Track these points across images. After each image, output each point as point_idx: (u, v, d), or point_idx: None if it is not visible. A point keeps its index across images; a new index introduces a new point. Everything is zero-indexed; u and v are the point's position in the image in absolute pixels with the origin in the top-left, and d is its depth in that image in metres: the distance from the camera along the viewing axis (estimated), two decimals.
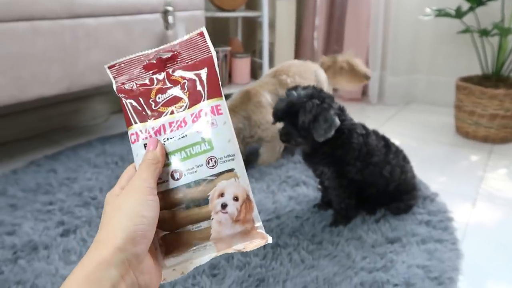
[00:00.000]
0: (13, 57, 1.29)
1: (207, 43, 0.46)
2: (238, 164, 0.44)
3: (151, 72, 0.45)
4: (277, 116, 1.07)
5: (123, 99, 0.45)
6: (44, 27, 1.37)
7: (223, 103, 0.44)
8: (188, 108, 0.43)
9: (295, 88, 1.07)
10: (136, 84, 0.45)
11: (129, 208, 0.35)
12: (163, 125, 0.43)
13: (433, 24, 2.25)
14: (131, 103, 0.44)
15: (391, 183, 1.15)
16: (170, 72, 0.45)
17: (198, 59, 0.45)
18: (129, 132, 0.44)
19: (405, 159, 1.21)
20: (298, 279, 0.94)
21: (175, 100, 0.44)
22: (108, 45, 1.57)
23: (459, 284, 0.94)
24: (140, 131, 0.43)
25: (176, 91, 0.44)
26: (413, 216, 1.19)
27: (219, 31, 2.65)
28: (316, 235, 1.11)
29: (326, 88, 1.67)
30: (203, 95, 0.43)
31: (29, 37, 1.33)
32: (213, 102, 0.43)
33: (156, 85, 0.44)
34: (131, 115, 0.44)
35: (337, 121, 1.01)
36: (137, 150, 0.43)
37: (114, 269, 0.32)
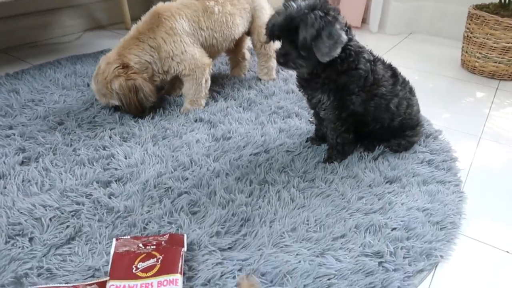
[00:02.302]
0: None
1: (182, 241, 0.76)
2: None
3: (142, 246, 0.74)
4: (273, 33, 0.90)
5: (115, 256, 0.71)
6: None
7: (180, 278, 0.68)
8: (157, 276, 0.68)
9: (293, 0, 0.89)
10: (128, 251, 0.72)
11: None
12: (137, 285, 0.66)
13: None
14: (119, 261, 0.69)
15: (397, 117, 1.02)
16: (153, 249, 0.73)
17: (173, 247, 0.74)
18: (108, 284, 0.66)
19: (411, 91, 1.08)
20: (287, 220, 0.84)
21: (150, 268, 0.69)
22: None
23: (461, 229, 0.87)
24: (118, 285, 0.66)
25: (153, 262, 0.70)
26: (414, 154, 1.08)
27: None
28: (308, 171, 1.00)
29: (267, 17, 1.36)
30: (168, 270, 0.69)
31: None
32: (173, 276, 0.68)
33: (141, 255, 0.72)
34: (115, 271, 0.69)
35: (344, 37, 0.86)
36: None
37: None
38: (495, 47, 1.62)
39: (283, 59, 0.89)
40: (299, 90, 1.04)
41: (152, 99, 1.19)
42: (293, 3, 0.86)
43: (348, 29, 0.91)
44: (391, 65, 1.04)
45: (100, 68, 1.15)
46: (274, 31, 0.89)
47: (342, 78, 0.94)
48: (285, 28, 0.86)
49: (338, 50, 0.86)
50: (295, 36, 0.85)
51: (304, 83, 1.00)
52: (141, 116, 1.20)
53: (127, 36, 1.18)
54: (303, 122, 1.23)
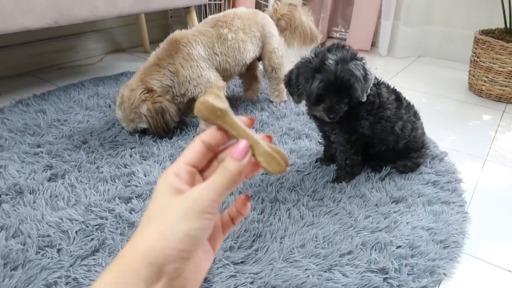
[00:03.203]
0: None
1: None
2: None
3: None
4: (317, 95, 0.93)
5: None
6: None
7: None
8: None
9: (322, 55, 0.92)
10: None
11: (176, 220, 0.29)
12: None
13: None
14: None
15: (401, 140, 1.07)
16: None
17: None
18: None
19: (415, 115, 1.13)
20: (296, 236, 0.89)
21: None
22: None
23: (465, 248, 0.90)
24: None
25: None
26: (420, 175, 1.13)
27: None
28: (317, 191, 1.05)
29: (276, 42, 1.46)
30: None
31: None
32: None
33: None
34: None
35: (373, 74, 0.95)
36: None
37: (142, 282, 0.28)
38: (501, 71, 1.67)
39: (334, 115, 0.94)
40: (309, 118, 1.10)
41: (177, 119, 1.27)
42: (330, 61, 0.90)
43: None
44: (395, 89, 1.09)
45: (124, 96, 1.22)
46: (319, 93, 0.93)
47: (354, 106, 1.00)
48: (334, 87, 0.91)
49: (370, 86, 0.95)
50: (344, 92, 0.92)
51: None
52: (167, 136, 1.27)
53: (147, 63, 1.26)
54: (312, 143, 1.28)
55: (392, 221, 0.94)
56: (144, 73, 1.24)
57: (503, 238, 0.95)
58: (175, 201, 0.30)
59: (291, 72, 0.99)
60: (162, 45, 1.29)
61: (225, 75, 1.38)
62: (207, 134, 0.33)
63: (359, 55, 0.96)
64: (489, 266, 0.87)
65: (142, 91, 1.21)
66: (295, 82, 0.97)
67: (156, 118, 1.22)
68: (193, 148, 0.33)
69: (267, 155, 0.32)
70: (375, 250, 0.86)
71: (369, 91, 0.96)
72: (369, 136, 1.05)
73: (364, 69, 0.94)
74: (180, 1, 1.74)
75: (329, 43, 2.53)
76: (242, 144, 0.31)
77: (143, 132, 1.29)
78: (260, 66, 1.60)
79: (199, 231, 0.30)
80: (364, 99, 0.95)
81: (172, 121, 1.25)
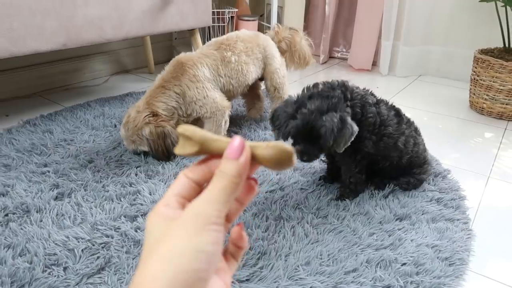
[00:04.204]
0: (3, 4, 1.20)
1: None
2: None
3: None
4: (290, 137, 0.97)
5: None
6: None
7: None
8: None
9: (301, 102, 0.95)
10: None
11: (185, 237, 0.25)
12: None
13: None
14: None
15: (405, 155, 1.08)
16: None
17: None
18: None
19: (416, 131, 1.14)
20: (301, 254, 0.89)
21: None
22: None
23: (470, 265, 0.90)
24: None
25: None
26: (423, 193, 1.13)
27: None
28: (321, 208, 1.06)
29: (278, 63, 1.49)
30: None
31: None
32: None
33: None
34: None
35: (355, 128, 0.94)
36: None
37: None
38: (501, 89, 1.69)
39: (307, 157, 0.97)
40: None
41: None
42: (304, 110, 0.93)
43: (346, 87, 0.99)
44: (394, 106, 1.10)
45: (130, 116, 1.25)
46: (291, 135, 0.96)
47: None
48: (305, 134, 0.93)
49: (352, 139, 0.95)
50: (315, 140, 0.93)
51: None
52: (167, 160, 1.28)
53: (152, 86, 1.29)
54: (316, 161, 1.29)
55: (397, 239, 0.95)
56: (150, 96, 1.26)
57: (509, 255, 0.95)
58: (173, 224, 0.27)
59: (275, 110, 1.02)
60: (168, 67, 1.32)
61: (228, 96, 1.41)
62: (190, 168, 0.30)
63: (351, 98, 0.98)
64: (495, 284, 0.86)
65: (147, 115, 1.23)
66: (276, 122, 1.01)
67: (157, 142, 1.23)
68: (179, 181, 0.30)
69: (271, 145, 0.28)
70: (380, 267, 0.86)
71: (349, 143, 0.94)
72: (373, 154, 1.06)
73: (343, 121, 0.93)
74: (185, 23, 1.79)
75: (331, 63, 2.58)
76: (236, 141, 0.28)
77: (147, 152, 1.31)
78: (262, 86, 1.62)
79: (212, 244, 0.26)
80: (341, 150, 0.95)
81: (173, 146, 1.27)
